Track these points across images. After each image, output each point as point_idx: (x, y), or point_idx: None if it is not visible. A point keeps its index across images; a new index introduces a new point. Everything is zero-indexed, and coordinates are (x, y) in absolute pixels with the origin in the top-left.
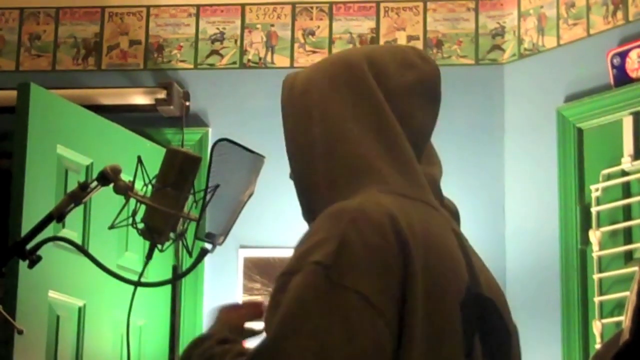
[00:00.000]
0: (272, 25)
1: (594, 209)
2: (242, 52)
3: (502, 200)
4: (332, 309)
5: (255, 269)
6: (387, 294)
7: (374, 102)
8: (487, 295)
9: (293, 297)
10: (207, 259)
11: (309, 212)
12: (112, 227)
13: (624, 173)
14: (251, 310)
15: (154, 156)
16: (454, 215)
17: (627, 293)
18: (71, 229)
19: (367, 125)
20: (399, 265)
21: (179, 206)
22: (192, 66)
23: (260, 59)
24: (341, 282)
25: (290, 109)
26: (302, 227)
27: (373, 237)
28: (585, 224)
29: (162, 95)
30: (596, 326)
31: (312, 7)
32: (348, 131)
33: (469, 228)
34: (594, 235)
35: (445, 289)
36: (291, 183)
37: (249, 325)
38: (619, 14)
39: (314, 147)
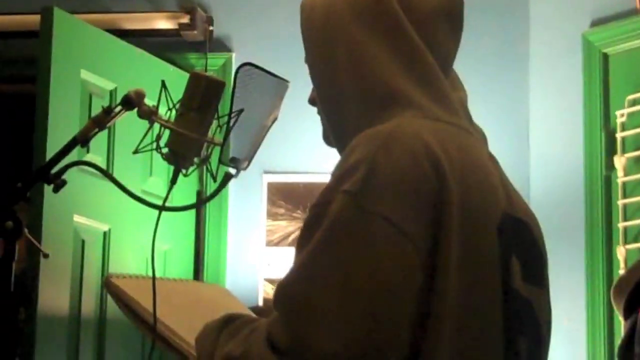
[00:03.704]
0: None
1: (619, 135)
2: None
3: (527, 127)
4: (359, 238)
5: (279, 194)
6: (418, 220)
7: (401, 29)
8: (522, 218)
9: (324, 228)
10: (231, 184)
11: (338, 139)
12: (136, 151)
13: None
14: None
15: (177, 81)
16: (484, 138)
17: None
18: (95, 154)
19: (396, 52)
20: (433, 191)
21: (203, 131)
22: None
23: None
24: (370, 208)
25: (311, 37)
26: (326, 152)
27: (404, 161)
28: (610, 150)
29: (185, 19)
30: (620, 252)
31: None
32: (376, 60)
33: (493, 153)
34: (619, 161)
35: (483, 214)
36: (315, 109)
37: None
38: None
39: (341, 77)
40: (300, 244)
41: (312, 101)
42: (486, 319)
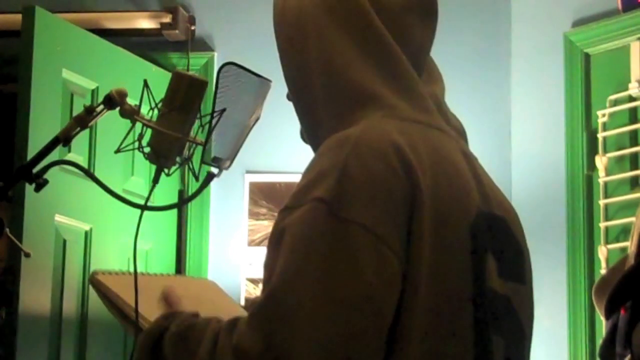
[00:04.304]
0: None
1: (600, 135)
2: None
3: (509, 126)
4: (336, 246)
5: (261, 193)
6: (393, 224)
7: (370, 24)
8: (498, 214)
9: (296, 236)
10: (213, 183)
11: (311, 136)
12: (118, 151)
13: (631, 98)
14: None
15: (159, 81)
16: (461, 133)
17: (632, 219)
18: (77, 153)
19: (366, 49)
20: (405, 193)
21: (185, 130)
22: None
23: None
24: (344, 216)
25: (283, 32)
26: (308, 152)
27: (376, 165)
28: (592, 150)
29: (167, 19)
30: (601, 251)
31: None
32: (346, 58)
33: (475, 153)
34: (600, 161)
35: (454, 213)
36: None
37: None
38: None
39: (310, 74)
40: (271, 247)
41: (290, 96)
42: (455, 322)
